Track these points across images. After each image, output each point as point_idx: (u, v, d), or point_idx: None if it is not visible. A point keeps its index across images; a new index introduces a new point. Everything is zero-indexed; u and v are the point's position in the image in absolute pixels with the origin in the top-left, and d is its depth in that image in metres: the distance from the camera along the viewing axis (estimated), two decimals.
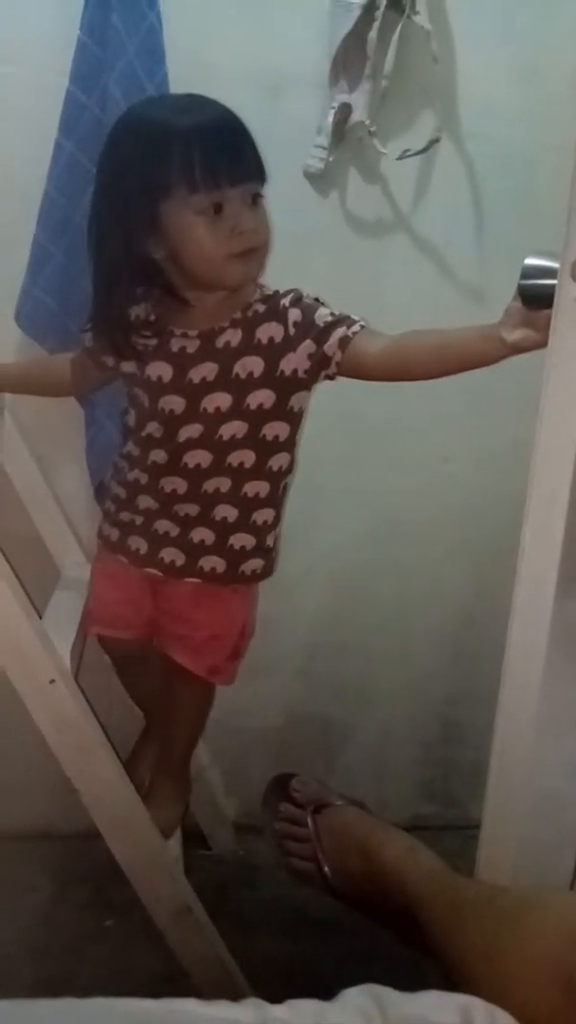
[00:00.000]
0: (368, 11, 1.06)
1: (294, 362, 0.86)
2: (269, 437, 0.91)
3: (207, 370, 0.88)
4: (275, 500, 0.96)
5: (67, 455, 1.21)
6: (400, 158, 1.12)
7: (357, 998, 0.47)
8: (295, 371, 0.87)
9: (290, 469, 0.95)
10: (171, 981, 1.03)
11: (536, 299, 0.68)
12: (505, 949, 0.55)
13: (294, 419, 0.92)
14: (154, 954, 1.02)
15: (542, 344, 0.68)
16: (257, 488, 0.93)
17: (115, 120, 1.00)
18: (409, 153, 1.12)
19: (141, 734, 1.15)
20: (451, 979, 0.59)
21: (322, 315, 0.85)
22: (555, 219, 0.61)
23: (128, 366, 0.92)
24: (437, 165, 1.19)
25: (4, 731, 1.08)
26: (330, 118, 1.11)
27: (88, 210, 1.06)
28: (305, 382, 0.88)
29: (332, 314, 0.85)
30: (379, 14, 1.06)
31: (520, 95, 1.16)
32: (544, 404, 0.63)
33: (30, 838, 1.37)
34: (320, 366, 0.86)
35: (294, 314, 0.86)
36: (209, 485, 0.91)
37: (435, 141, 1.12)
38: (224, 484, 0.91)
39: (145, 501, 0.94)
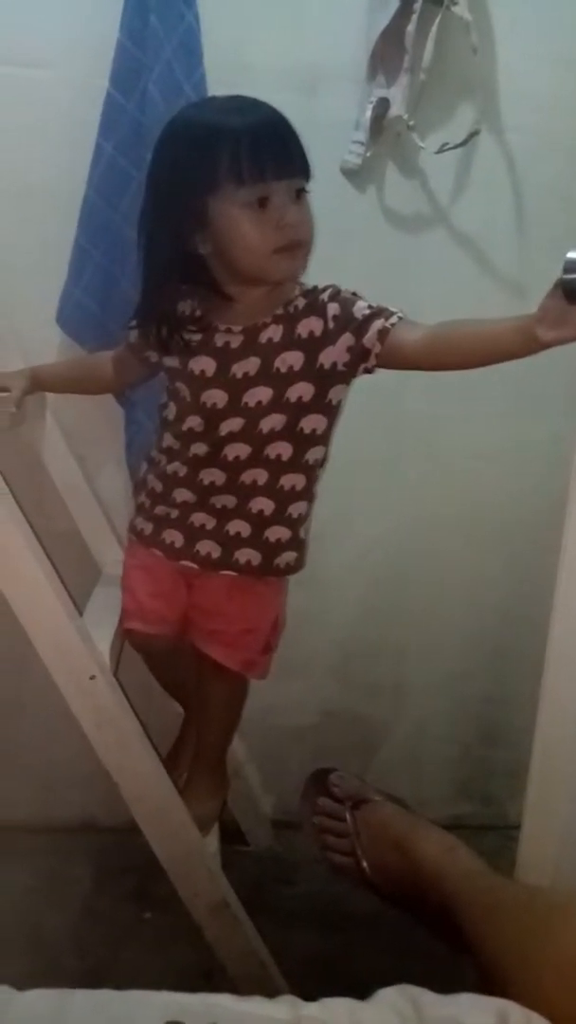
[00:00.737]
0: (406, 3, 1.05)
1: (333, 355, 0.87)
2: (307, 430, 0.91)
3: (250, 365, 0.89)
4: (309, 493, 0.96)
5: (107, 454, 1.23)
6: (439, 152, 1.11)
7: (392, 998, 0.47)
8: (334, 364, 0.87)
9: (324, 462, 0.96)
10: (208, 975, 1.04)
11: None
12: (541, 952, 0.55)
13: (332, 413, 0.92)
14: (192, 948, 1.04)
15: None
16: (293, 481, 0.94)
17: (154, 121, 1.03)
18: (448, 147, 1.11)
19: (181, 728, 1.16)
20: (486, 979, 0.59)
21: (360, 308, 0.85)
22: None
23: (171, 360, 0.93)
24: (477, 158, 1.17)
25: (47, 725, 1.10)
26: (368, 113, 1.10)
27: (128, 212, 1.08)
28: (344, 375, 0.89)
29: (370, 307, 0.86)
30: (417, 6, 1.05)
31: (561, 86, 1.14)
32: None
33: (72, 830, 1.40)
34: (359, 359, 0.86)
35: (333, 308, 0.87)
36: (247, 476, 0.92)
37: (475, 134, 1.11)
38: (261, 476, 0.92)
39: (183, 494, 0.95)
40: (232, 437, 0.91)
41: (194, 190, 0.83)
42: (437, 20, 1.07)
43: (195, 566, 0.97)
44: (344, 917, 1.19)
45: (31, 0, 1.08)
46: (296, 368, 0.88)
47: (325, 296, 0.88)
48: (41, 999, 0.51)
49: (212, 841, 1.08)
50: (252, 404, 0.89)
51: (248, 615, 1.00)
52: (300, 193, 0.85)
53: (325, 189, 1.14)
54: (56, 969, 1.13)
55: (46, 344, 1.15)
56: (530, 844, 0.73)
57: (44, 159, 1.13)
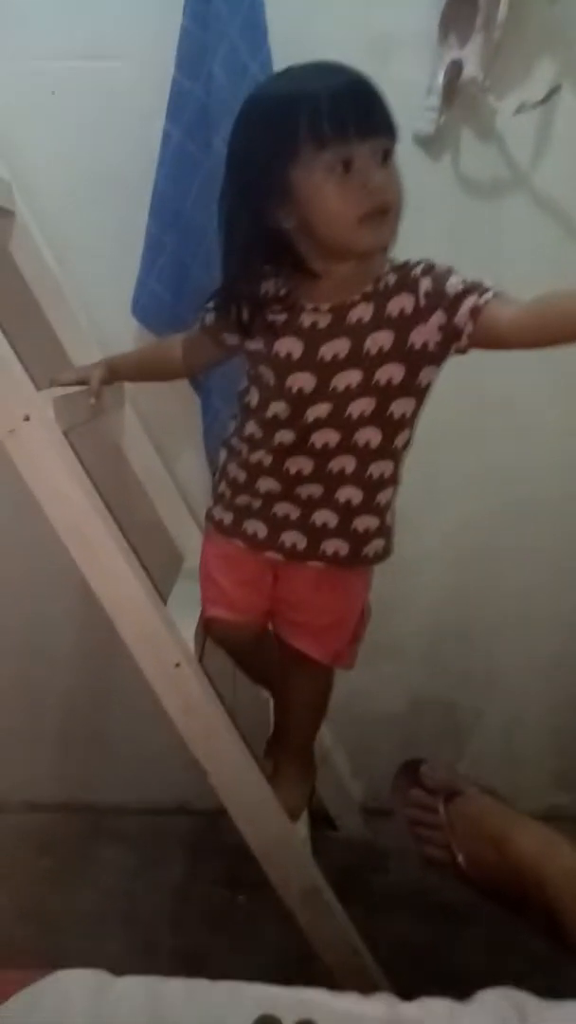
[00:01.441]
0: None
1: (424, 334, 0.83)
2: (396, 415, 0.87)
3: (339, 346, 0.85)
4: (396, 478, 0.93)
5: (186, 443, 1.23)
6: (517, 112, 1.06)
7: (495, 1002, 0.45)
8: (425, 344, 0.83)
9: (408, 444, 0.92)
10: (302, 960, 1.04)
11: None
12: None
13: (420, 395, 0.88)
14: (285, 932, 1.04)
15: None
16: (382, 468, 0.90)
17: (220, 103, 1.02)
18: (527, 106, 1.06)
19: (274, 715, 1.16)
20: None
21: (453, 284, 0.80)
22: None
23: (254, 343, 0.90)
24: (558, 117, 1.11)
25: (140, 711, 1.12)
26: (440, 77, 1.06)
27: (197, 198, 1.08)
28: (435, 356, 0.84)
29: (464, 282, 0.80)
30: None
31: None
32: None
33: (166, 813, 1.43)
34: (451, 339, 0.81)
35: (425, 284, 0.82)
36: (335, 464, 0.89)
37: (555, 91, 1.06)
38: (349, 464, 0.89)
39: (267, 483, 0.92)
40: (319, 424, 0.87)
41: (275, 160, 0.79)
42: None
43: (280, 557, 0.95)
44: (437, 907, 1.17)
45: None
46: (386, 349, 0.84)
47: (418, 271, 0.83)
48: (136, 986, 0.52)
49: (302, 827, 1.08)
50: (341, 388, 0.86)
51: (337, 606, 0.98)
52: (387, 156, 0.80)
53: (398, 159, 1.11)
54: (152, 949, 1.16)
55: (123, 335, 1.17)
56: None
57: (115, 151, 1.14)
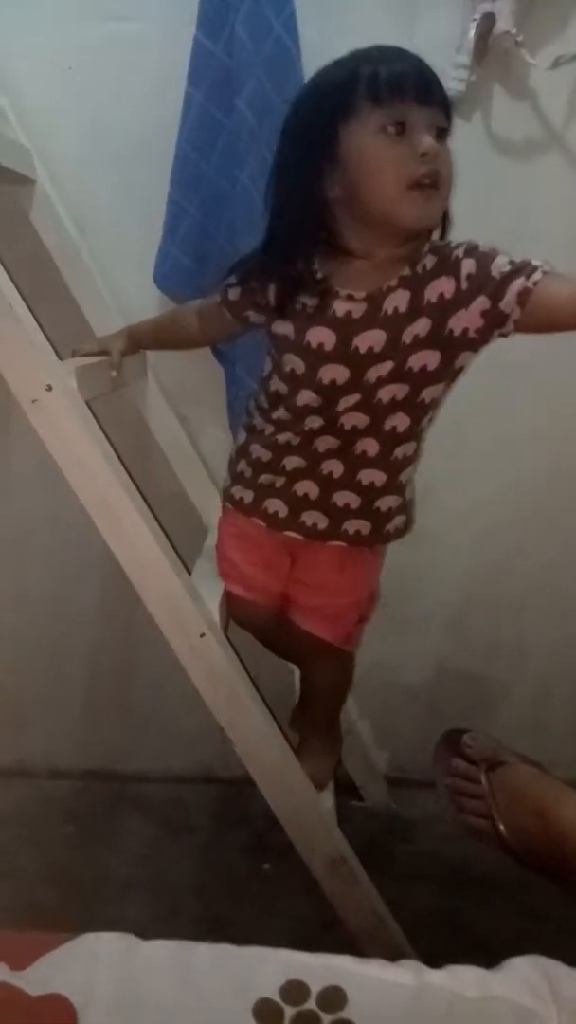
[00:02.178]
0: None
1: (465, 320, 0.78)
2: (427, 400, 0.85)
3: (373, 338, 0.81)
4: (418, 455, 0.91)
5: (209, 414, 1.22)
6: (552, 67, 1.02)
7: (524, 971, 0.45)
8: (465, 330, 0.79)
9: (432, 422, 0.90)
10: (327, 926, 1.05)
11: None
12: None
13: (452, 379, 0.85)
14: (310, 899, 1.05)
15: None
16: (406, 450, 0.88)
17: (242, 64, 1.00)
18: (563, 60, 1.01)
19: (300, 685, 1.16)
20: None
21: (499, 265, 0.75)
22: None
23: (282, 327, 0.85)
24: None
25: (165, 680, 1.13)
26: (472, 32, 1.02)
27: (219, 163, 1.05)
28: (475, 342, 0.80)
29: (511, 263, 0.75)
30: None
31: None
32: None
33: (191, 781, 1.44)
34: (495, 325, 0.77)
35: (468, 265, 0.77)
36: (360, 445, 0.87)
37: None
38: (373, 447, 0.87)
39: (294, 461, 0.90)
40: (349, 409, 0.85)
41: (330, 116, 0.76)
42: None
43: (300, 537, 0.93)
44: (462, 876, 1.18)
45: None
46: (421, 336, 0.80)
47: (460, 251, 0.78)
48: (163, 950, 0.52)
49: (327, 797, 1.09)
50: (373, 380, 0.83)
51: (355, 586, 0.98)
52: (441, 133, 0.77)
53: None
54: (176, 915, 1.17)
55: (145, 305, 1.15)
56: None
57: (136, 115, 1.12)
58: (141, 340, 1.02)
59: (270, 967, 0.49)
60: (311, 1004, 0.47)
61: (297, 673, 1.18)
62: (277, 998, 0.47)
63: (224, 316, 0.93)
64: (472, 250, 0.78)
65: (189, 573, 0.92)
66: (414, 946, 1.04)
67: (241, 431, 0.97)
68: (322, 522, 0.92)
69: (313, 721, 1.09)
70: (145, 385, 1.18)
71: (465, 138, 1.10)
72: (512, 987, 0.44)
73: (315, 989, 0.47)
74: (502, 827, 0.76)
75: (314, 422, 0.87)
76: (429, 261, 0.80)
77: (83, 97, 1.12)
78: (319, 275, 0.83)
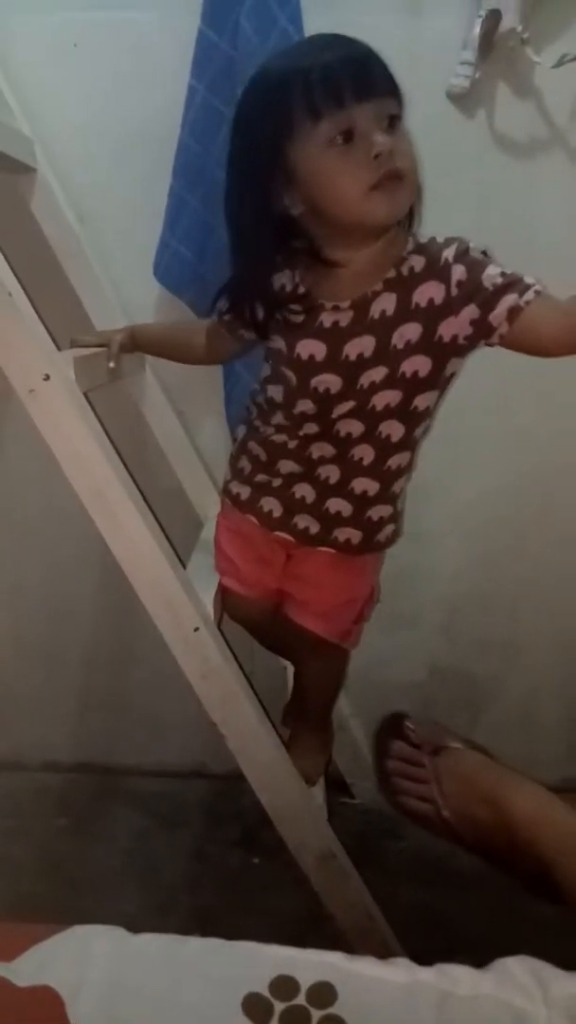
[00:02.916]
0: None
1: (455, 327, 0.77)
2: (420, 408, 0.84)
3: (363, 344, 0.80)
4: (412, 466, 0.91)
5: (207, 409, 1.22)
6: (557, 65, 1.02)
7: (514, 971, 0.45)
8: (455, 337, 0.78)
9: (427, 432, 0.90)
10: (316, 922, 1.05)
11: None
12: None
13: (444, 386, 0.85)
14: (300, 895, 1.05)
15: None
16: (400, 460, 0.88)
17: (246, 57, 0.99)
18: (568, 58, 1.01)
19: (294, 680, 1.16)
20: None
21: (491, 276, 0.73)
22: None
23: (275, 342, 0.86)
24: None
25: (158, 674, 1.12)
26: (477, 28, 1.02)
27: (221, 156, 1.03)
28: (463, 349, 0.79)
29: (503, 274, 0.73)
30: None
31: None
32: None
33: (183, 775, 1.44)
34: (482, 335, 0.76)
35: (458, 271, 0.75)
36: (356, 452, 0.87)
37: None
38: (368, 455, 0.86)
39: (288, 465, 0.90)
40: (344, 415, 0.85)
41: (272, 140, 0.74)
42: None
43: (292, 539, 0.94)
44: (451, 873, 1.18)
45: None
46: (413, 341, 0.79)
47: (449, 254, 0.76)
48: (153, 943, 0.52)
49: (318, 793, 1.09)
50: (367, 385, 0.82)
51: (351, 584, 0.98)
52: (393, 121, 0.74)
53: (431, 117, 1.08)
54: (167, 908, 1.18)
55: (145, 297, 1.15)
56: None
57: (139, 107, 1.11)
58: (143, 342, 1.02)
59: (260, 962, 0.49)
60: (300, 999, 0.46)
61: (290, 669, 1.18)
62: (267, 993, 0.47)
63: (223, 334, 0.94)
64: (462, 255, 0.76)
65: (184, 567, 0.92)
66: (403, 943, 1.04)
67: (242, 427, 0.97)
68: (314, 527, 0.92)
69: (305, 717, 1.10)
70: (143, 378, 1.17)
71: (468, 135, 1.10)
72: (503, 986, 0.44)
73: (305, 984, 0.47)
74: (446, 812, 0.76)
75: (310, 428, 0.87)
76: (416, 263, 0.78)
77: (85, 87, 1.11)
78: (302, 289, 0.82)
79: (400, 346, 0.80)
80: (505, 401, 1.22)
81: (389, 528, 0.94)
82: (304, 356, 0.83)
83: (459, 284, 0.75)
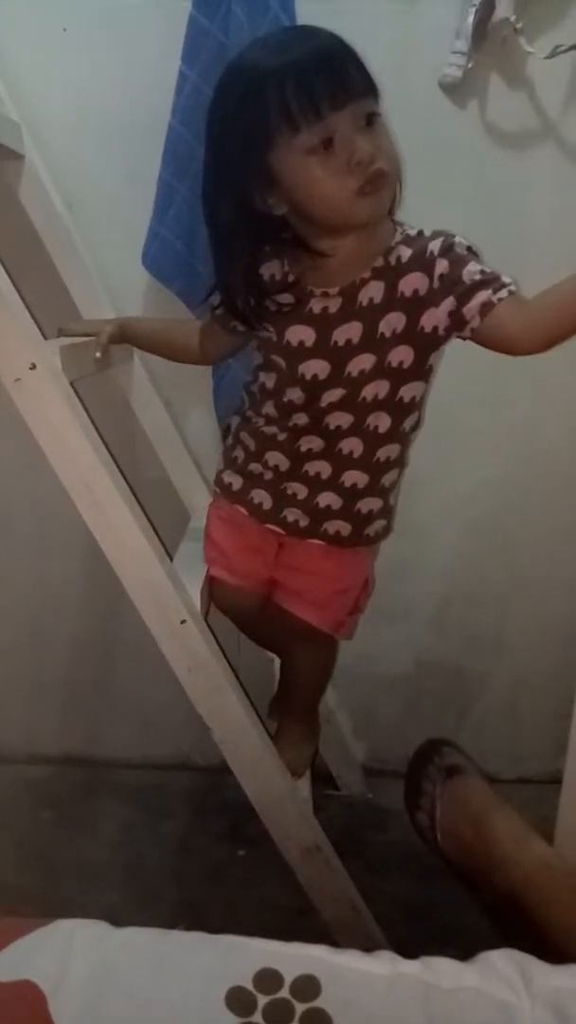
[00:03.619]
0: None
1: (435, 318, 0.79)
2: (406, 399, 0.86)
3: (351, 330, 0.82)
4: (403, 460, 0.92)
5: (195, 399, 1.21)
6: (550, 56, 1.01)
7: (498, 964, 0.45)
8: (435, 328, 0.80)
9: (418, 426, 0.90)
10: (301, 914, 1.05)
11: None
12: None
13: (429, 377, 0.86)
14: (285, 887, 1.05)
15: None
16: (389, 452, 0.89)
17: (238, 44, 0.96)
18: (561, 49, 1.01)
19: (280, 673, 1.16)
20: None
21: (471, 272, 0.76)
22: None
23: (264, 331, 0.87)
24: None
25: (144, 666, 1.12)
26: (470, 18, 1.01)
27: None
28: (441, 341, 0.82)
29: (482, 271, 0.76)
30: None
31: None
32: None
33: (168, 768, 1.44)
34: (456, 327, 0.79)
35: (441, 265, 0.77)
36: (344, 445, 0.88)
37: None
38: (357, 448, 0.87)
39: (276, 458, 0.91)
40: (333, 407, 0.86)
41: (251, 148, 0.75)
42: None
43: (282, 531, 0.94)
44: (435, 866, 1.18)
45: None
46: (399, 330, 0.81)
47: (435, 248, 0.78)
48: (138, 937, 0.52)
49: (304, 786, 1.09)
50: (355, 373, 0.83)
51: (343, 574, 0.98)
52: (371, 119, 0.74)
53: (423, 107, 1.08)
54: (152, 901, 1.17)
55: (133, 285, 1.14)
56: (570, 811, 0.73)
57: (128, 93, 1.10)
58: (133, 336, 1.01)
59: (243, 955, 0.49)
60: (284, 993, 0.46)
61: (277, 662, 1.18)
62: (250, 986, 0.47)
63: (217, 330, 0.94)
64: (447, 250, 0.78)
65: (171, 558, 0.92)
66: (388, 935, 1.05)
67: (236, 416, 0.97)
68: (303, 520, 0.93)
69: (292, 709, 1.10)
70: (131, 368, 1.16)
71: (460, 125, 1.10)
72: (487, 979, 0.44)
73: (289, 978, 0.47)
74: (438, 832, 0.81)
75: (299, 419, 0.87)
76: (404, 253, 0.80)
77: (74, 73, 1.10)
78: (291, 278, 0.83)
79: (388, 335, 0.81)
80: (498, 396, 1.22)
81: (379, 523, 0.94)
82: (294, 342, 0.84)
83: (441, 277, 0.78)
